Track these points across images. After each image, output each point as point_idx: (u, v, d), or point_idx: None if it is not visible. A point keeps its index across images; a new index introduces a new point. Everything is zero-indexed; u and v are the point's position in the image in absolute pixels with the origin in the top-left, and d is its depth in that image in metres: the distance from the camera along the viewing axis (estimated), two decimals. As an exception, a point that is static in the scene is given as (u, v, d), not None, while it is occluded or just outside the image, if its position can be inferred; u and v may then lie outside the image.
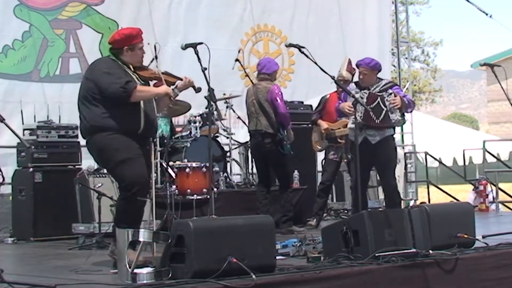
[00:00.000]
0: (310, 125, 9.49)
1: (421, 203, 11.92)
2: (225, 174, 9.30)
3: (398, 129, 8.37)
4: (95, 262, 5.89)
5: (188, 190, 8.15)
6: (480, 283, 5.79)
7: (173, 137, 9.27)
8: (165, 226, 7.20)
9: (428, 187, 13.41)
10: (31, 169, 8.28)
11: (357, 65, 7.85)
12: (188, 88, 6.12)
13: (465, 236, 6.02)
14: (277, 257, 5.39)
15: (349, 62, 8.95)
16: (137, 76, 5.84)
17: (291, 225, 8.38)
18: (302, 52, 6.48)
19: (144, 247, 5.05)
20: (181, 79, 6.08)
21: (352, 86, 7.92)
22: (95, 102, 5.70)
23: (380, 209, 9.73)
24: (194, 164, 8.26)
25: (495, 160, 16.39)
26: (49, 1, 10.16)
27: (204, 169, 8.18)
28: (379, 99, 7.61)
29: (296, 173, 9.37)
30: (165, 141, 9.01)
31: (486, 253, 6.01)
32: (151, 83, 6.11)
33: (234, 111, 9.89)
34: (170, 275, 4.77)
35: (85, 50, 10.27)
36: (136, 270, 4.78)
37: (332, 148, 9.14)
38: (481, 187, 11.68)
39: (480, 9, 14.03)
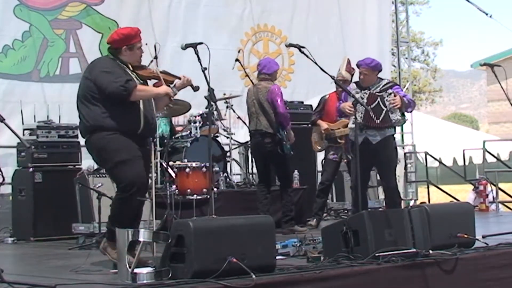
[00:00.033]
0: (310, 125, 9.49)
1: (421, 203, 11.92)
2: (225, 174, 9.30)
3: (398, 129, 8.37)
4: (95, 262, 5.88)
5: (188, 190, 8.15)
6: (480, 283, 5.79)
7: (173, 137, 9.27)
8: (165, 226, 7.19)
9: (428, 187, 13.41)
10: (31, 169, 8.28)
11: (358, 65, 7.85)
12: (187, 87, 6.12)
13: (465, 236, 6.02)
14: (277, 257, 5.39)
15: (348, 62, 8.95)
16: (136, 75, 5.84)
17: (293, 224, 8.39)
18: (302, 52, 6.48)
19: (144, 247, 5.05)
20: (179, 78, 6.08)
21: (352, 86, 7.92)
22: (95, 102, 5.69)
23: (380, 209, 9.74)
24: (194, 164, 8.26)
25: (495, 160, 16.38)
26: (49, 1, 10.16)
27: (204, 169, 8.18)
28: (379, 99, 7.61)
29: (296, 173, 9.37)
30: (165, 141, 9.01)
31: (486, 253, 6.01)
32: (150, 82, 6.11)
33: (234, 111, 9.89)
34: (170, 275, 4.77)
35: (85, 50, 10.27)
36: (136, 270, 4.79)
37: (331, 148, 9.14)
38: (481, 187, 11.69)
39: (480, 9, 14.03)
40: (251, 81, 9.56)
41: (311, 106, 10.07)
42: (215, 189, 7.98)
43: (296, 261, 5.68)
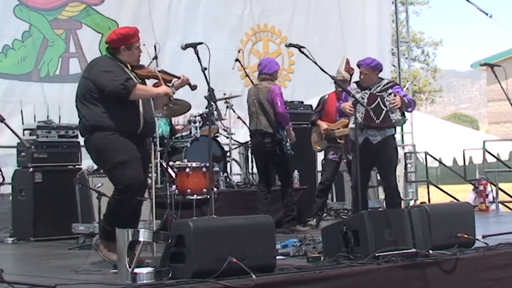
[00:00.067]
0: (309, 126, 9.49)
1: (421, 203, 11.92)
2: (225, 174, 9.30)
3: (398, 129, 8.36)
4: (95, 262, 5.88)
5: (188, 190, 8.15)
6: (480, 283, 5.79)
7: (173, 137, 9.27)
8: (165, 226, 7.19)
9: (428, 187, 13.42)
10: (31, 169, 8.28)
11: (358, 65, 7.85)
12: (184, 86, 6.12)
13: (465, 236, 6.02)
14: (277, 257, 5.39)
15: (347, 62, 8.95)
16: (135, 75, 5.84)
17: (295, 224, 8.40)
18: (302, 52, 6.48)
19: (144, 247, 5.05)
20: (178, 77, 6.08)
21: (353, 86, 7.93)
22: (95, 101, 5.69)
23: (380, 209, 9.73)
24: (194, 164, 8.26)
25: (495, 160, 16.39)
26: (49, 1, 10.16)
27: (204, 169, 8.18)
28: (379, 99, 7.61)
29: (296, 173, 9.37)
30: (165, 141, 9.01)
31: (486, 253, 6.01)
32: (148, 82, 6.11)
33: (234, 111, 9.89)
34: (170, 275, 4.77)
35: (85, 50, 10.27)
36: (136, 270, 4.79)
37: (331, 148, 9.14)
38: (481, 187, 11.69)
39: (480, 9, 14.03)
40: (251, 81, 9.57)
41: (311, 106, 10.07)
42: (215, 189, 7.98)
43: (296, 261, 5.67)
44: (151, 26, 10.89)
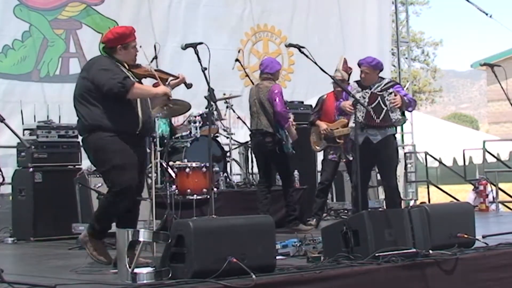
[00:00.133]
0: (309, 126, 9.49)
1: (421, 203, 11.92)
2: (225, 174, 9.30)
3: (398, 129, 8.37)
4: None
5: (188, 190, 8.15)
6: (480, 283, 5.79)
7: (173, 137, 9.27)
8: (165, 226, 7.19)
9: (428, 187, 13.41)
10: (31, 169, 8.28)
11: (359, 64, 7.85)
12: (180, 85, 6.12)
13: (465, 236, 6.01)
14: (277, 257, 5.38)
15: (345, 61, 8.95)
16: (132, 74, 5.84)
17: (297, 224, 8.42)
18: (302, 52, 6.48)
19: (144, 247, 5.05)
20: (175, 77, 6.08)
21: (354, 85, 7.93)
22: (94, 101, 5.69)
23: (380, 209, 9.73)
24: (194, 164, 8.26)
25: (495, 160, 16.38)
26: (49, 1, 10.16)
27: (204, 169, 8.18)
28: (379, 98, 7.62)
29: (296, 173, 9.37)
30: (165, 141, 9.01)
31: (486, 253, 6.00)
32: (145, 81, 6.11)
33: (234, 111, 9.88)
34: (170, 275, 4.77)
35: (85, 50, 10.26)
36: (136, 270, 4.78)
37: (331, 148, 9.14)
38: (481, 187, 11.69)
39: (480, 9, 14.03)
40: (251, 81, 9.57)
41: (311, 106, 10.06)
42: (215, 189, 7.98)
43: (296, 261, 5.67)
44: (151, 26, 10.90)
